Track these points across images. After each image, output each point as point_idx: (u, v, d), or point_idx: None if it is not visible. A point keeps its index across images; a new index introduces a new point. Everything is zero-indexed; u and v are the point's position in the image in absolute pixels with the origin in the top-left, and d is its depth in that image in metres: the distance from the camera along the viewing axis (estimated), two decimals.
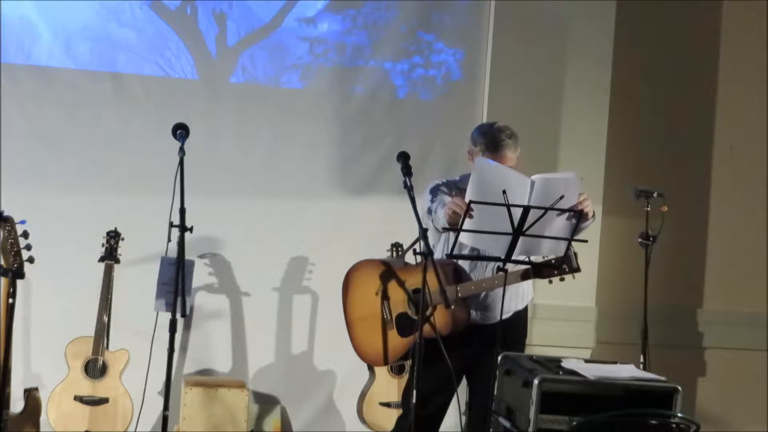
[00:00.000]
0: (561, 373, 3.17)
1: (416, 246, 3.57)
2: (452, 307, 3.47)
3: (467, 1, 5.02)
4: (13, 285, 3.76)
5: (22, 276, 3.82)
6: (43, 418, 4.20)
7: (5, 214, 3.83)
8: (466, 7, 5.02)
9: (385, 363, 3.81)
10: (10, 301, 3.75)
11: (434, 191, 3.71)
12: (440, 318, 3.56)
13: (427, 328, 3.43)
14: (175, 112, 4.47)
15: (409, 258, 4.41)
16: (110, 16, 4.77)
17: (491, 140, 3.65)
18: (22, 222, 3.89)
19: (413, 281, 3.56)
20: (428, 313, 3.50)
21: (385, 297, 3.67)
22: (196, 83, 4.86)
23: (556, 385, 3.10)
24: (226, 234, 4.79)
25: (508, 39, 4.90)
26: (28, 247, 3.89)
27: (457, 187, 3.71)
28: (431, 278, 3.41)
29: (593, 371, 3.17)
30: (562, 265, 3.52)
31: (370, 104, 4.95)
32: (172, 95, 4.80)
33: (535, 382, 3.07)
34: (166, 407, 3.58)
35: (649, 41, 5.13)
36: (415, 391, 3.38)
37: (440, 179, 3.79)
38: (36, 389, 4.15)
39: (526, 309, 3.82)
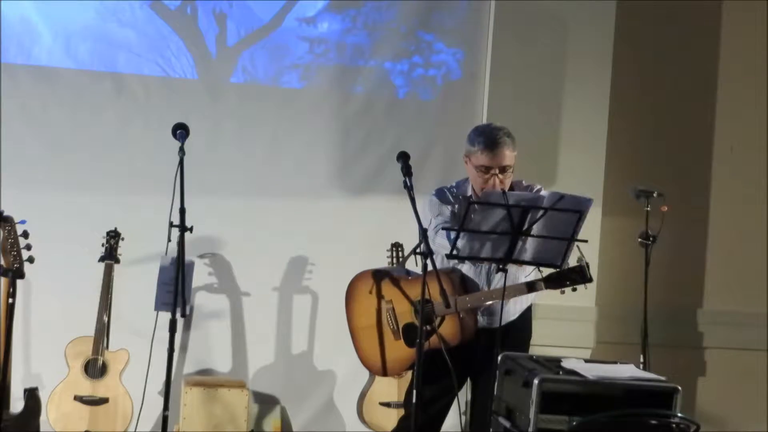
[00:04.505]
0: (561, 373, 3.17)
1: (425, 250, 3.55)
2: (451, 307, 3.47)
3: (467, 1, 5.01)
4: (13, 285, 3.78)
5: (22, 276, 3.84)
6: (43, 418, 4.20)
7: (5, 214, 3.84)
8: (466, 7, 5.02)
9: (392, 374, 3.81)
10: (10, 300, 3.76)
11: (434, 207, 3.70)
12: (449, 328, 3.56)
13: (434, 338, 3.43)
14: (175, 112, 4.46)
15: (410, 260, 4.39)
16: (110, 16, 4.77)
17: (489, 138, 3.65)
18: (22, 222, 3.91)
19: (418, 291, 3.53)
20: (435, 324, 3.50)
21: (389, 307, 3.67)
22: (196, 83, 4.86)
23: (556, 385, 3.10)
24: (226, 234, 4.78)
25: (507, 39, 4.89)
26: (28, 247, 3.91)
27: (455, 196, 3.71)
28: (434, 287, 3.41)
29: (593, 371, 3.17)
30: (574, 276, 3.52)
31: (370, 104, 4.95)
32: (172, 95, 4.79)
33: (535, 382, 3.06)
34: (166, 407, 3.58)
35: (649, 41, 5.13)
36: (415, 392, 3.38)
37: (440, 189, 3.77)
38: (36, 389, 4.15)
39: (530, 310, 3.83)
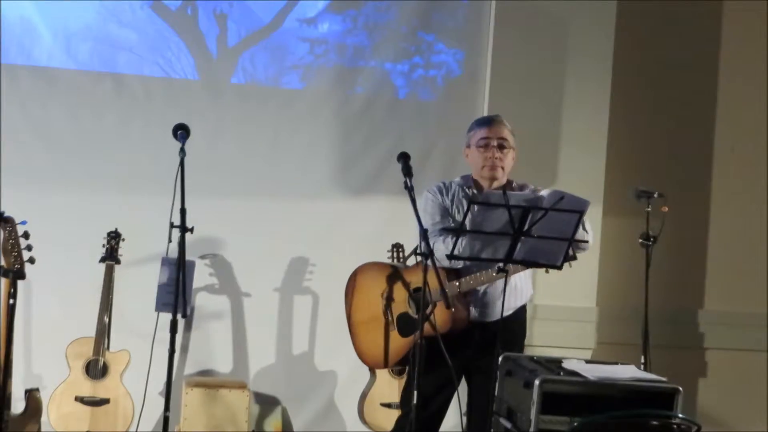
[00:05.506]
0: (562, 373, 3.16)
1: (423, 249, 3.56)
2: (452, 309, 3.46)
3: (467, 1, 5.02)
4: (14, 285, 3.76)
5: (22, 276, 3.82)
6: (44, 418, 4.19)
7: (6, 214, 3.83)
8: (467, 7, 5.02)
9: (387, 366, 3.80)
10: (11, 301, 3.75)
11: (428, 203, 3.71)
12: (440, 315, 3.55)
13: (426, 326, 3.43)
14: (175, 113, 4.45)
15: (411, 261, 4.40)
16: (111, 16, 4.77)
17: (485, 119, 3.81)
18: (23, 222, 3.90)
19: (414, 280, 3.56)
20: (428, 311, 3.49)
21: (388, 299, 3.67)
22: (196, 84, 4.86)
23: (557, 386, 3.09)
24: (227, 235, 4.78)
25: (508, 39, 4.90)
26: (29, 248, 3.89)
27: (447, 191, 3.72)
28: (431, 277, 3.41)
29: (594, 372, 3.16)
30: None
31: (370, 105, 4.95)
32: (172, 96, 4.79)
33: (536, 382, 3.06)
34: (167, 408, 3.58)
35: (650, 41, 5.13)
36: (415, 392, 3.38)
37: (436, 186, 3.78)
38: (37, 390, 4.14)
39: (524, 308, 3.81)
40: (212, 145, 4.78)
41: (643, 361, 4.33)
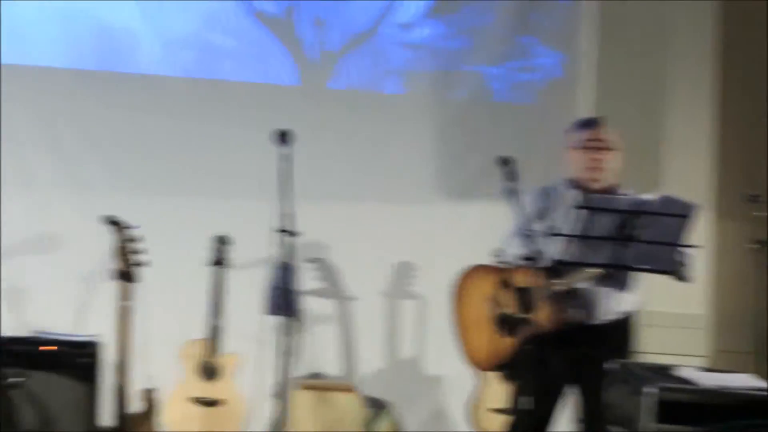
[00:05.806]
0: (675, 381, 3.12)
1: (525, 252, 3.55)
2: (556, 310, 3.45)
3: (565, 2, 4.97)
4: (128, 288, 3.89)
5: (136, 279, 3.94)
6: (159, 418, 4.31)
7: (119, 219, 3.96)
8: (564, 8, 4.98)
9: (493, 368, 3.80)
10: (127, 303, 3.87)
11: (526, 205, 3.69)
12: (542, 315, 3.52)
13: (530, 327, 3.42)
14: (276, 118, 4.48)
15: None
16: (212, 23, 4.85)
17: (586, 120, 3.78)
18: (135, 227, 4.02)
19: (519, 281, 3.54)
20: (531, 311, 3.48)
21: (494, 300, 3.67)
22: (296, 89, 4.91)
23: (672, 394, 3.05)
24: (331, 239, 4.81)
25: (607, 40, 4.85)
26: (142, 252, 4.01)
27: (549, 194, 3.70)
28: (535, 277, 3.39)
29: (709, 380, 3.12)
30: None
31: (469, 109, 4.95)
32: (273, 101, 4.84)
33: (651, 390, 3.03)
34: (277, 409, 3.64)
35: (757, 40, 5.00)
36: (523, 398, 3.37)
37: (538, 188, 3.76)
38: (153, 390, 4.27)
39: (630, 314, 3.75)
40: (313, 150, 4.81)
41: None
